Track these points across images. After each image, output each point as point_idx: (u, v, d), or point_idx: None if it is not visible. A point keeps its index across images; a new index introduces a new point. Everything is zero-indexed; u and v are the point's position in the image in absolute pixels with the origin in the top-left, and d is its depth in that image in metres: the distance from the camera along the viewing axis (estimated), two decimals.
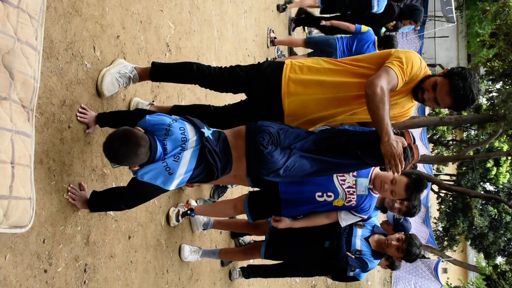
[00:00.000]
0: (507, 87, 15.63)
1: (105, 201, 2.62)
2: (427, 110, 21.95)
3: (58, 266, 2.52)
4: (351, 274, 3.98)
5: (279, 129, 2.73)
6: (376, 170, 3.51)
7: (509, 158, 17.06)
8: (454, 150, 22.20)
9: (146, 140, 2.30)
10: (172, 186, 2.43)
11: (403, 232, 3.86)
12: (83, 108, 2.73)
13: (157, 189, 2.42)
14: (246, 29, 5.84)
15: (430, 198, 19.50)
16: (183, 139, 2.44)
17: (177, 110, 3.18)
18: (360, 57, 3.06)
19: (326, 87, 2.89)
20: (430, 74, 2.90)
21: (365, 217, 3.65)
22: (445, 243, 22.13)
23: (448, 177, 23.81)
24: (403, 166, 2.67)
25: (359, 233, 3.82)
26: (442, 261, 16.76)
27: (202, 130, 2.54)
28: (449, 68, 2.86)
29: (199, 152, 2.48)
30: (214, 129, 2.67)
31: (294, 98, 2.92)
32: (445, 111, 21.47)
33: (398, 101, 2.93)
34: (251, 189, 3.99)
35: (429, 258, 17.95)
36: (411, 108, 3.06)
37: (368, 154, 2.73)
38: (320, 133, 2.84)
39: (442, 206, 21.70)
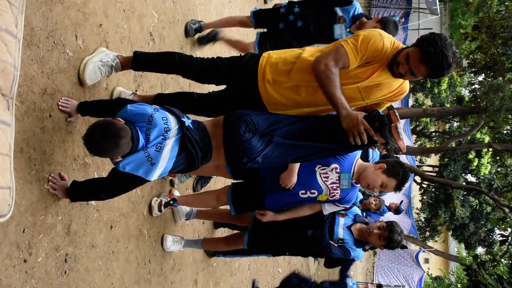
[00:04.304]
0: (489, 79, 15.77)
1: (86, 191, 2.61)
2: (411, 102, 22.12)
3: (38, 256, 2.50)
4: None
5: (258, 116, 2.73)
6: (359, 164, 3.52)
7: (490, 149, 17.26)
8: (437, 141, 22.37)
9: (127, 131, 2.27)
10: (155, 176, 2.42)
11: (384, 221, 3.91)
12: (65, 98, 2.71)
13: (139, 180, 2.41)
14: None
15: (412, 189, 19.69)
16: (166, 129, 2.42)
17: (161, 99, 3.17)
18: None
19: (297, 77, 2.87)
20: (403, 47, 2.83)
21: (348, 206, 3.68)
22: (427, 233, 22.35)
23: (430, 168, 23.98)
24: (373, 134, 2.64)
25: (341, 222, 3.85)
26: (424, 251, 16.96)
27: (183, 119, 2.53)
28: (418, 39, 2.78)
29: (180, 141, 2.48)
30: (193, 119, 2.66)
31: (270, 86, 2.90)
32: (428, 102, 21.64)
33: (381, 82, 2.89)
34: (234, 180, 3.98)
35: (410, 248, 18.15)
36: (402, 85, 2.99)
37: (340, 133, 2.71)
38: (303, 119, 2.84)
39: (425, 197, 21.86)
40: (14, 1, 2.07)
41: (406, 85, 3.03)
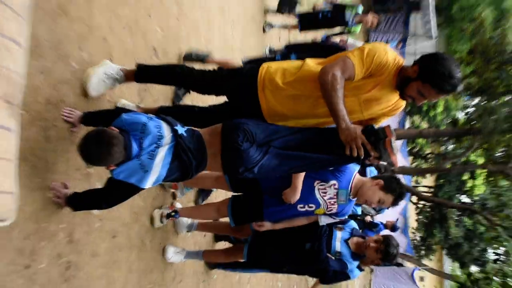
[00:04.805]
0: (483, 102, 15.80)
1: (86, 200, 2.56)
2: (407, 124, 22.11)
3: (41, 262, 2.45)
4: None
5: (256, 126, 2.68)
6: (357, 180, 3.49)
7: (484, 171, 17.21)
8: (432, 163, 22.33)
9: (120, 139, 2.24)
10: (148, 184, 2.38)
11: (380, 234, 3.87)
12: (69, 108, 2.69)
13: (132, 188, 2.37)
14: (233, 37, 5.83)
15: (408, 209, 19.58)
16: (159, 137, 2.39)
17: (163, 112, 3.14)
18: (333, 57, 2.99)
19: (299, 87, 2.84)
20: (403, 66, 2.81)
21: (343, 218, 3.65)
22: (422, 252, 22.17)
23: (426, 189, 23.91)
24: (369, 147, 2.60)
25: (339, 235, 3.80)
26: (419, 269, 16.83)
27: (176, 127, 2.50)
28: (421, 67, 2.74)
29: (174, 149, 2.44)
30: (188, 127, 2.62)
31: (271, 94, 2.87)
32: (424, 124, 21.63)
33: (380, 97, 2.86)
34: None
35: (406, 266, 17.99)
36: (399, 100, 2.95)
37: (337, 145, 2.66)
38: (300, 130, 2.80)
39: (420, 217, 21.76)
40: (20, 11, 2.05)
41: (402, 102, 3.00)
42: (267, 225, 3.63)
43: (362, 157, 2.63)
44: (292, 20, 7.81)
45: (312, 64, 2.85)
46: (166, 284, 3.90)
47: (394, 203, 3.47)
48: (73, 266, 2.71)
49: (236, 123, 2.65)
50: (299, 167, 2.84)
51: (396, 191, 3.44)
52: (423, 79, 2.70)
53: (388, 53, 2.77)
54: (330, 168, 3.39)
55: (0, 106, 1.96)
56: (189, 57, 4.31)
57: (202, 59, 4.34)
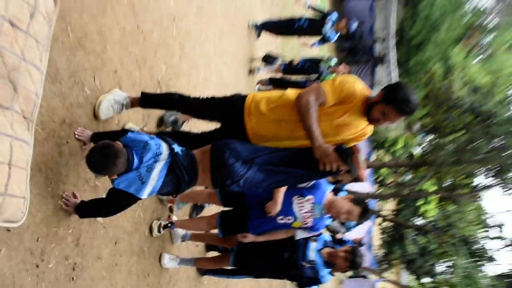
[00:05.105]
0: (435, 139, 15.98)
1: (91, 208, 2.47)
2: (374, 157, 22.20)
3: (49, 262, 2.34)
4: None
5: (241, 146, 2.62)
6: (330, 197, 3.42)
7: (436, 196, 17.29)
8: (393, 190, 22.40)
9: (123, 152, 2.18)
10: (145, 194, 2.29)
11: (348, 246, 3.78)
12: (81, 128, 2.60)
13: (131, 197, 2.28)
14: (228, 76, 5.80)
15: (373, 229, 19.49)
16: (157, 153, 2.33)
17: (164, 134, 3.08)
18: None
19: (280, 112, 2.79)
20: (368, 96, 2.77)
21: (317, 233, 3.56)
22: (384, 266, 22.05)
23: (388, 212, 23.93)
24: (339, 163, 2.52)
25: (313, 246, 3.70)
26: (381, 281, 16.70)
27: (173, 146, 2.44)
28: (385, 93, 2.71)
29: (169, 165, 2.37)
30: (183, 148, 2.56)
31: (254, 121, 2.81)
32: (387, 158, 21.70)
33: (350, 123, 2.80)
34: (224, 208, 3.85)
35: (370, 278, 17.80)
36: (366, 128, 2.90)
37: (312, 161, 2.60)
38: (281, 150, 2.73)
39: (383, 236, 21.69)
40: (41, 40, 2.00)
41: (368, 129, 2.96)
42: (250, 237, 3.53)
43: (334, 171, 2.56)
44: (276, 69, 7.86)
45: (291, 93, 2.81)
46: (162, 287, 3.74)
47: (361, 215, 3.39)
48: (78, 267, 2.59)
49: (224, 143, 2.60)
50: (280, 181, 2.75)
51: (362, 204, 3.40)
52: (387, 102, 2.67)
53: (356, 84, 2.74)
54: (306, 184, 3.34)
55: (19, 121, 1.89)
56: (168, 124, 3.74)
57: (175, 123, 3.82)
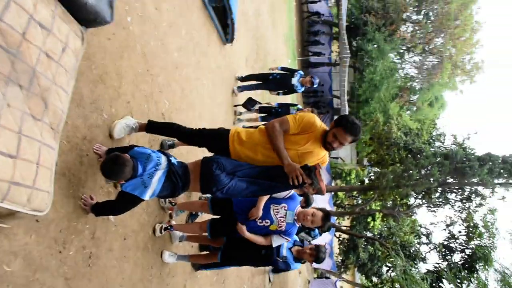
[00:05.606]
0: (379, 170, 16.12)
1: (104, 208, 2.40)
2: (333, 183, 22.22)
3: (70, 250, 2.26)
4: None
5: (226, 160, 2.62)
6: (299, 210, 3.38)
7: (380, 214, 17.27)
8: (348, 210, 22.35)
9: (130, 162, 2.17)
10: (147, 196, 2.25)
11: (313, 244, 3.72)
12: (98, 144, 2.56)
13: (136, 198, 2.24)
14: (218, 116, 5.81)
15: (333, 240, 19.21)
16: (158, 163, 2.31)
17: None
18: None
19: (256, 138, 2.80)
20: (326, 129, 2.81)
21: (290, 239, 3.48)
22: (342, 269, 21.68)
23: (345, 227, 23.76)
24: (305, 177, 2.50)
25: (285, 245, 3.63)
26: (340, 280, 16.41)
27: (170, 158, 2.43)
28: (335, 120, 2.78)
29: (167, 173, 2.35)
30: (179, 160, 2.55)
31: (238, 148, 2.81)
32: (343, 184, 21.74)
33: (312, 150, 2.80)
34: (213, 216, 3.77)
35: (331, 278, 17.45)
36: (324, 156, 2.90)
37: (283, 176, 2.59)
38: (258, 166, 2.73)
39: (340, 246, 21.43)
40: (69, 69, 2.00)
41: (326, 157, 2.97)
42: (244, 228, 3.39)
43: (300, 184, 2.55)
44: (255, 118, 7.78)
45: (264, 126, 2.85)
46: (163, 277, 3.58)
47: (323, 218, 3.31)
48: (94, 256, 2.49)
49: (212, 157, 2.61)
50: (256, 190, 2.72)
51: (325, 211, 3.36)
52: (337, 125, 2.71)
53: (315, 118, 2.80)
54: (285, 195, 3.31)
55: (47, 131, 1.85)
56: (164, 147, 3.65)
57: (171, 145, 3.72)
